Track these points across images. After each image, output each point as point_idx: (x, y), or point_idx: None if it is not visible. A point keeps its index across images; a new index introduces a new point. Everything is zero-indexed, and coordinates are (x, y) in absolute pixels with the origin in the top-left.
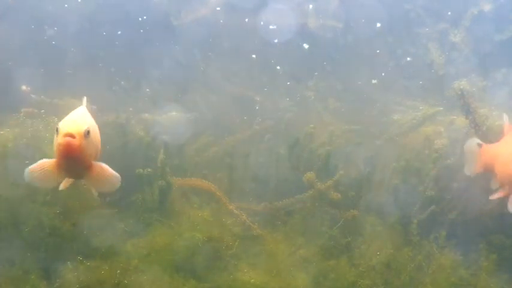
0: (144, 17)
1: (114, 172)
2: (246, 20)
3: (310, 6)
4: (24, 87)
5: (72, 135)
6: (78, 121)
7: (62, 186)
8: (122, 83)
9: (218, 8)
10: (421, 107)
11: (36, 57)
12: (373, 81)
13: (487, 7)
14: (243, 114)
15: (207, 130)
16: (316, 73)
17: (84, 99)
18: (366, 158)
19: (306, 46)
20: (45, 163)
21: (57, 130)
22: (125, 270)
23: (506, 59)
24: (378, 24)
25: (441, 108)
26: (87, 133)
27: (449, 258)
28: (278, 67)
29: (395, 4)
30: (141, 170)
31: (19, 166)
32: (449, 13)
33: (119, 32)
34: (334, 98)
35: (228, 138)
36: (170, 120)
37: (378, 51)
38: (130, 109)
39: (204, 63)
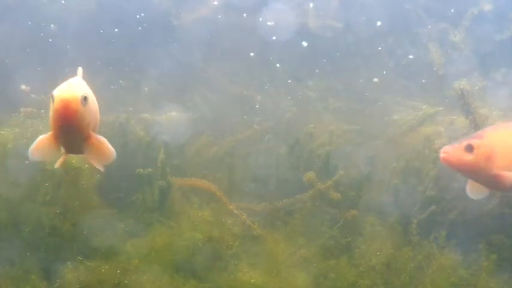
0: (144, 17)
1: (111, 146)
2: (246, 19)
3: (311, 4)
4: (23, 87)
5: (68, 101)
6: (75, 87)
7: (57, 164)
8: (121, 81)
9: (216, 4)
10: (424, 106)
11: (36, 57)
12: (375, 80)
13: (487, 7)
14: (243, 114)
15: (207, 130)
16: (316, 73)
17: (80, 70)
18: (366, 158)
19: (304, 44)
20: (42, 139)
21: (52, 98)
22: (125, 270)
23: (506, 59)
24: (378, 23)
25: (441, 108)
26: (85, 99)
27: (449, 258)
28: (278, 66)
29: (395, 4)
30: (141, 170)
31: (19, 166)
32: (452, 10)
33: (116, 30)
34: (334, 98)
35: (228, 138)
36: (170, 120)
37: (378, 51)
38: (130, 109)
39: (204, 63)
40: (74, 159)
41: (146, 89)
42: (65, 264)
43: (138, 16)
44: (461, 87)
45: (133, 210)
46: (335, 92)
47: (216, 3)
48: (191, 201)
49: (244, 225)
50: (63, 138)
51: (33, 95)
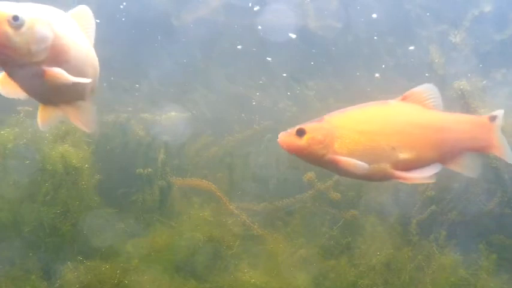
0: (145, 17)
1: (77, 79)
2: (246, 20)
3: None
4: None
5: None
6: (10, 4)
7: (38, 121)
8: (112, 78)
9: (218, 8)
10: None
11: None
12: (376, 75)
13: (488, 8)
14: (242, 113)
15: (207, 130)
16: (316, 73)
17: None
18: None
19: (293, 36)
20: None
21: None
22: (125, 270)
23: (506, 59)
24: (374, 15)
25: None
26: (15, 19)
27: (449, 258)
28: (278, 67)
29: (395, 4)
30: (141, 170)
31: (19, 166)
32: (449, 14)
33: (98, 21)
34: (334, 98)
35: (228, 138)
36: (170, 120)
37: (378, 50)
38: (129, 109)
39: (204, 63)
40: (74, 159)
41: (137, 85)
42: (65, 264)
43: (121, 6)
44: (461, 87)
45: (134, 210)
46: (335, 92)
47: (217, 5)
48: (191, 201)
49: (244, 225)
50: (6, 71)
51: None
